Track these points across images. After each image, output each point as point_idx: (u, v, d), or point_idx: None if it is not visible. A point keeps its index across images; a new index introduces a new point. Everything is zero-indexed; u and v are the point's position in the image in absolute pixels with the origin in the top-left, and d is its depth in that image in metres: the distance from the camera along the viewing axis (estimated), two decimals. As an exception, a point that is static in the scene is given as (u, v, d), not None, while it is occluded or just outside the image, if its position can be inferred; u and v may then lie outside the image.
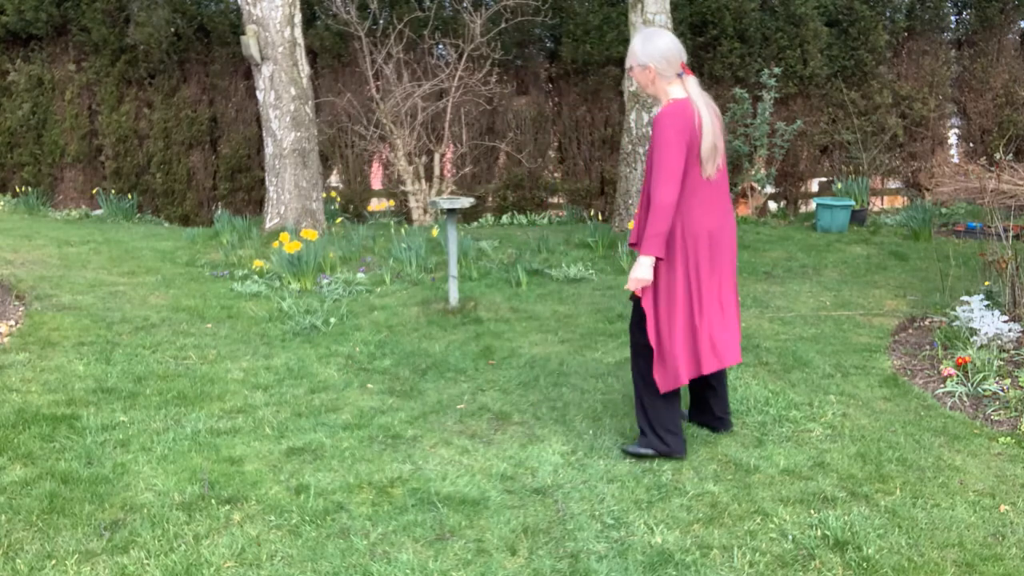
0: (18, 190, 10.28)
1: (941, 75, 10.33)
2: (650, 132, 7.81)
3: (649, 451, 3.48)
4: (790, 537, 2.88)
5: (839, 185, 9.61)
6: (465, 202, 5.58)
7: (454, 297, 5.75)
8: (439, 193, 9.46)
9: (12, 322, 5.05)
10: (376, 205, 10.36)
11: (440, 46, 9.73)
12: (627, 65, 3.44)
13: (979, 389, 4.13)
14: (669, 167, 3.19)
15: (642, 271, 3.27)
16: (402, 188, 9.47)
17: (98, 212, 9.95)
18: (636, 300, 3.50)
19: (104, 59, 9.99)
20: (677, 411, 3.51)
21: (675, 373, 3.38)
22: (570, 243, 7.81)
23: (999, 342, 4.50)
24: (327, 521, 2.98)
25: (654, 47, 3.33)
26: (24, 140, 10.29)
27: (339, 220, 9.08)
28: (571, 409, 4.03)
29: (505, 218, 9.87)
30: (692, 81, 3.36)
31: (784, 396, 4.12)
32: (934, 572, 2.68)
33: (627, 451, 3.53)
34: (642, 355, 3.48)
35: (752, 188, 9.61)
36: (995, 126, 10.42)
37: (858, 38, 9.90)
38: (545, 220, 9.77)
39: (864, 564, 2.71)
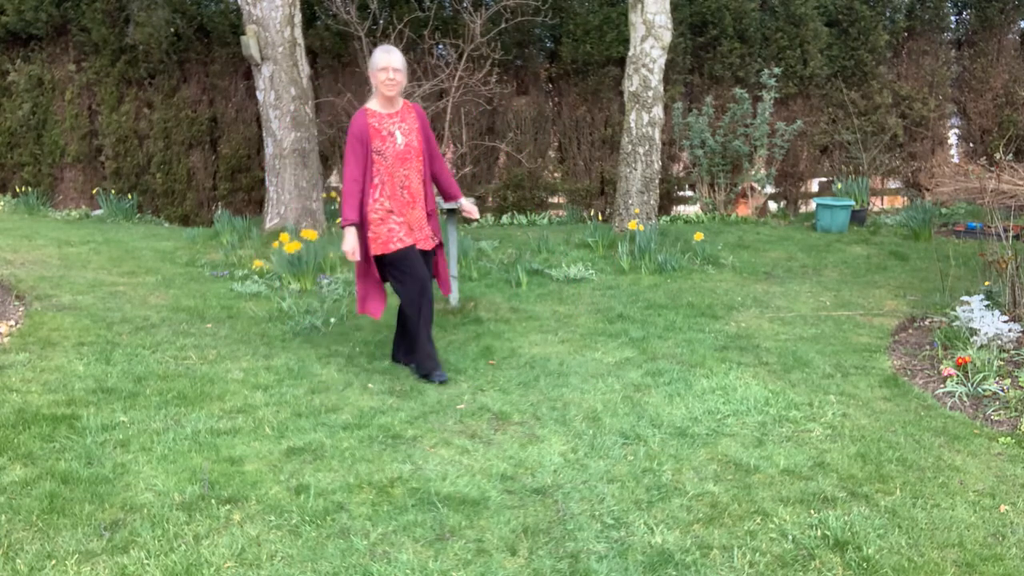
0: (18, 190, 10.28)
1: (941, 75, 10.33)
2: (650, 132, 7.81)
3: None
4: (790, 537, 2.88)
5: (839, 185, 9.61)
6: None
7: (454, 297, 5.75)
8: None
9: (12, 322, 5.05)
10: (376, 205, 10.32)
11: (440, 46, 9.73)
12: (400, 67, 4.22)
13: (979, 389, 4.13)
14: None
15: None
16: (402, 188, 9.45)
17: (98, 212, 9.95)
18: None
19: (104, 59, 9.98)
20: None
21: None
22: (570, 243, 7.81)
23: (999, 342, 4.50)
24: (327, 521, 2.97)
25: None
26: (24, 140, 10.30)
27: (339, 220, 9.07)
28: (571, 409, 4.03)
29: (505, 218, 9.86)
30: None
31: (784, 396, 4.12)
32: (934, 572, 2.68)
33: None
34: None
35: (752, 188, 9.61)
36: (995, 126, 10.42)
37: (858, 38, 9.90)
38: (545, 220, 9.76)
39: (864, 564, 2.71)
